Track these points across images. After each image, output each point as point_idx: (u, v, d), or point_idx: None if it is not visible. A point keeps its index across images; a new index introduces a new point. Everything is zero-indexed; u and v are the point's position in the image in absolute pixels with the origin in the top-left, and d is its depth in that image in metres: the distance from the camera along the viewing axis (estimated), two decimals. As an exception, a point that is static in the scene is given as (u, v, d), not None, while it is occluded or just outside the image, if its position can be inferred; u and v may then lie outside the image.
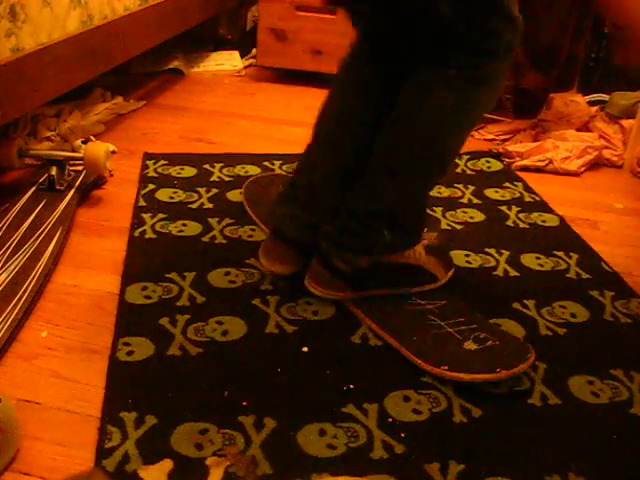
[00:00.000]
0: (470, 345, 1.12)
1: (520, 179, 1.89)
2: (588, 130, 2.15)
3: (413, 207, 1.26)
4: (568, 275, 1.42)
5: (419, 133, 1.16)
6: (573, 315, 1.28)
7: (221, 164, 1.80)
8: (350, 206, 1.21)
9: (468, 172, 1.91)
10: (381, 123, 1.20)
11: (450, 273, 1.33)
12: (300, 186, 1.31)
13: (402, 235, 1.25)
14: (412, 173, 1.19)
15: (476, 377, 1.06)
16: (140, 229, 1.46)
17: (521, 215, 1.67)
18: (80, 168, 1.61)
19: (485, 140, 2.18)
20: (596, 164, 2.04)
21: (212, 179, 1.72)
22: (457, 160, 1.97)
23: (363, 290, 1.24)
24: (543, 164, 1.97)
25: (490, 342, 1.13)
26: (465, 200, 1.73)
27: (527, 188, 1.83)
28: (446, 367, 1.07)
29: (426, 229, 1.34)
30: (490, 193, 1.78)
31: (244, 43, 2.90)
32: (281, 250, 1.31)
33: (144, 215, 1.52)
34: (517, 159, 2.00)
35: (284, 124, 2.16)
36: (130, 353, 1.08)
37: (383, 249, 1.23)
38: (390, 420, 0.99)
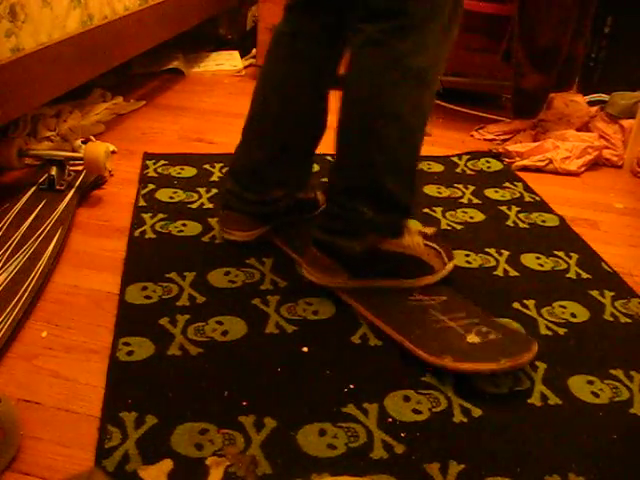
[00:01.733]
0: (473, 338, 1.11)
1: (520, 179, 1.89)
2: (588, 130, 2.15)
3: (387, 181, 1.19)
4: (568, 275, 1.42)
5: (357, 98, 1.15)
6: (573, 315, 1.28)
7: (221, 164, 1.80)
8: (330, 188, 1.23)
9: (468, 172, 1.91)
10: (322, 92, 1.29)
11: (449, 266, 1.32)
12: (238, 170, 1.40)
13: (386, 213, 1.21)
14: (366, 141, 1.17)
15: (479, 367, 1.05)
16: (140, 229, 1.45)
17: (521, 215, 1.67)
18: (80, 168, 1.61)
19: (485, 140, 2.18)
20: (596, 164, 2.05)
21: (212, 179, 1.72)
22: (457, 160, 1.98)
23: (361, 277, 1.24)
24: (543, 164, 1.97)
25: (493, 335, 1.12)
26: (465, 200, 1.73)
27: (527, 188, 1.83)
28: (449, 358, 1.06)
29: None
30: (490, 193, 1.78)
31: (244, 43, 2.90)
32: (235, 219, 1.41)
33: (144, 215, 1.51)
34: (517, 159, 2.00)
35: (284, 124, 2.16)
36: (130, 353, 1.08)
37: (370, 228, 1.21)
38: (390, 420, 0.99)
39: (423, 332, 1.14)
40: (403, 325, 1.16)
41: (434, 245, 1.31)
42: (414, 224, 1.33)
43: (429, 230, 1.34)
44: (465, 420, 1.00)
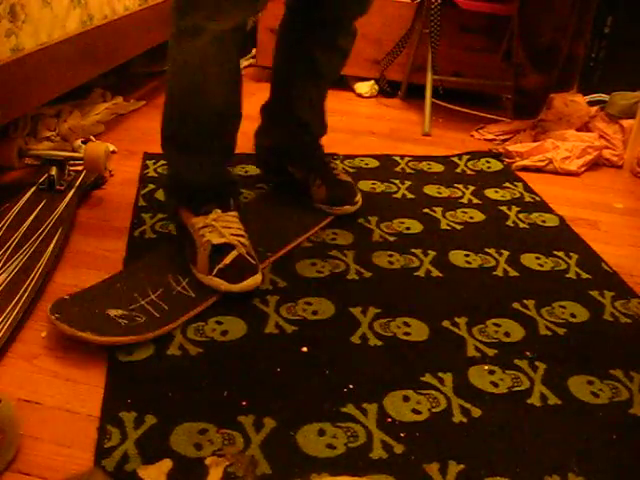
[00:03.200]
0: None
1: (520, 179, 1.89)
2: (588, 130, 2.15)
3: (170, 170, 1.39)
4: (568, 275, 1.42)
5: None
6: (573, 315, 1.28)
7: (221, 164, 1.80)
8: None
9: (468, 172, 1.91)
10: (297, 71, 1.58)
11: (224, 285, 1.22)
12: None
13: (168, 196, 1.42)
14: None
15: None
16: (140, 229, 1.45)
17: (521, 215, 1.67)
18: (80, 168, 1.61)
19: (485, 140, 2.18)
20: (596, 164, 2.05)
21: (212, 179, 1.72)
22: (457, 160, 1.98)
23: None
24: (543, 164, 1.97)
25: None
26: (465, 200, 1.73)
27: (527, 188, 1.83)
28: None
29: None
30: (490, 193, 1.78)
31: (244, 43, 2.90)
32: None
33: (144, 215, 1.51)
34: (517, 159, 2.00)
35: (284, 124, 2.15)
36: (130, 353, 1.08)
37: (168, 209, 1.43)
38: (390, 420, 0.99)
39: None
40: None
41: (249, 260, 1.25)
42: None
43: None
44: (465, 420, 1.00)
